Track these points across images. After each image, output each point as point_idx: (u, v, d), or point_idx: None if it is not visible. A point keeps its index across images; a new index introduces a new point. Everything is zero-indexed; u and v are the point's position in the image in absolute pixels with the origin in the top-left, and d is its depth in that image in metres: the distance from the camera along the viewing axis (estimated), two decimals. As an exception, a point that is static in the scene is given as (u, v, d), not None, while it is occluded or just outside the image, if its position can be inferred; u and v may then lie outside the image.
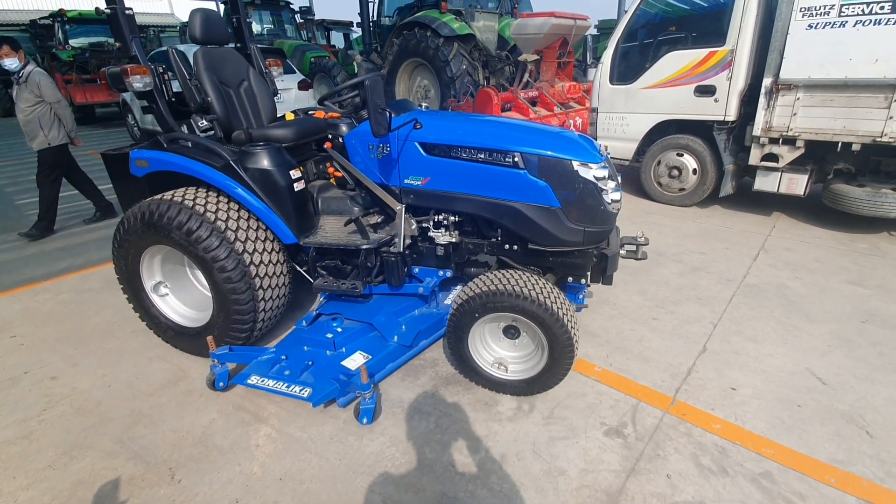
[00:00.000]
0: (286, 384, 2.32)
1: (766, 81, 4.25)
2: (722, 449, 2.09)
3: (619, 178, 2.42)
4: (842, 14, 3.77)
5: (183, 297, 2.87)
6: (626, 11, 5.30)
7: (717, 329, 3.00)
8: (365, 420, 2.22)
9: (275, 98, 3.30)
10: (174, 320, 2.79)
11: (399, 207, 2.53)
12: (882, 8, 3.60)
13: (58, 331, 3.16)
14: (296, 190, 2.55)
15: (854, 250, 4.11)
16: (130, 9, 2.56)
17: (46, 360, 2.84)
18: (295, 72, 8.98)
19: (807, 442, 2.13)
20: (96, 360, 2.82)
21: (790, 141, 4.29)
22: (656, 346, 2.84)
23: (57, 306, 3.48)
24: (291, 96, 8.31)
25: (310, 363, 2.47)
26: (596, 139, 4.71)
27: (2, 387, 2.62)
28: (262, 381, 2.37)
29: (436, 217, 2.57)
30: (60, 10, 13.18)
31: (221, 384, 2.48)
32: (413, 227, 2.58)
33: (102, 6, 2.56)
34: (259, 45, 3.45)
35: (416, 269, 2.76)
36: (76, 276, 3.97)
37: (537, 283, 2.20)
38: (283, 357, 2.51)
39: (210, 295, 2.54)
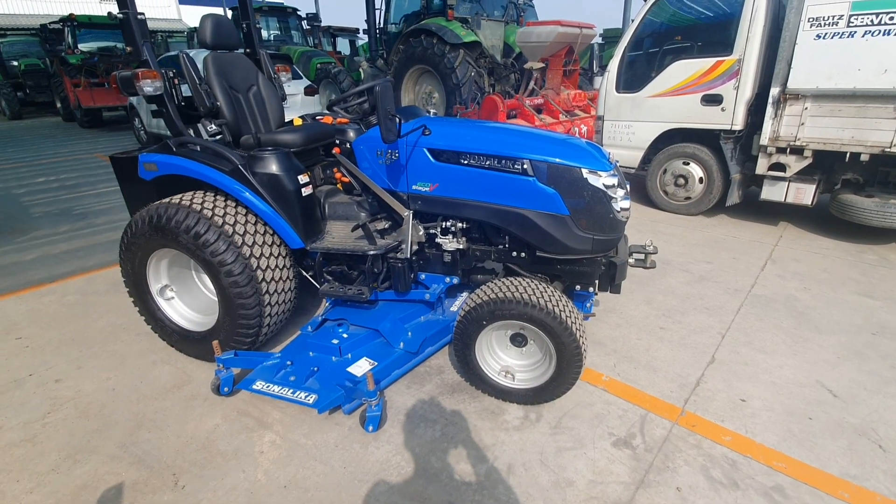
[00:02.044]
0: (291, 390, 2.31)
1: (774, 91, 4.24)
2: (732, 462, 2.06)
3: (628, 186, 2.41)
4: (850, 24, 3.77)
5: (189, 301, 2.86)
6: (632, 20, 5.31)
7: (726, 339, 2.97)
8: (370, 427, 2.20)
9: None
10: (179, 324, 2.78)
11: (407, 213, 2.53)
12: (891, 18, 3.60)
13: (63, 333, 3.15)
14: (303, 195, 2.55)
15: (862, 261, 4.08)
16: (143, 14, 2.57)
17: (51, 363, 2.83)
18: (301, 77, 9.04)
19: (819, 456, 2.10)
20: (101, 363, 2.82)
21: (798, 151, 4.28)
22: (664, 355, 2.81)
23: (62, 308, 3.48)
24: (297, 101, 8.35)
25: (315, 369, 2.45)
26: (602, 147, 4.71)
27: (6, 389, 2.61)
28: (268, 386, 2.35)
29: (443, 223, 2.57)
30: (70, 14, 13.33)
31: (226, 389, 2.47)
32: (420, 233, 2.57)
33: (115, 11, 2.58)
34: (266, 51, 3.47)
35: (423, 276, 2.75)
36: (82, 278, 3.97)
37: (545, 291, 2.18)
38: (289, 363, 2.50)
39: (216, 299, 2.54)
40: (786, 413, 2.35)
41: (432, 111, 3.00)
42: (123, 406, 2.46)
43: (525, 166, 2.23)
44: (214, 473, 2.03)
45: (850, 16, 3.75)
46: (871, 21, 3.68)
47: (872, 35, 3.70)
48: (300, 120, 3.29)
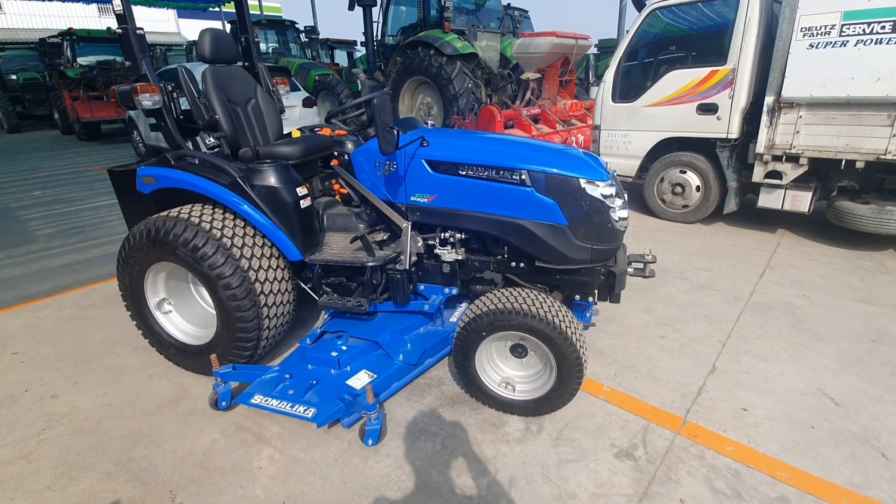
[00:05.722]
0: (290, 404, 2.29)
1: (769, 100, 4.28)
2: (736, 472, 2.04)
3: (626, 196, 2.42)
4: (842, 34, 3.81)
5: (186, 315, 2.85)
6: (627, 31, 5.37)
7: (726, 348, 2.96)
8: (370, 441, 2.18)
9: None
10: (177, 338, 2.76)
11: (405, 224, 2.53)
12: (883, 27, 3.64)
13: (59, 348, 3.13)
14: (302, 207, 2.55)
15: (860, 268, 4.09)
16: (142, 28, 2.59)
17: (47, 378, 2.80)
18: (299, 89, 9.09)
19: (822, 465, 2.08)
20: (97, 378, 2.79)
21: (793, 158, 4.31)
22: (665, 365, 2.80)
23: (59, 322, 3.46)
24: (296, 113, 8.40)
25: (314, 382, 2.43)
26: (599, 156, 4.73)
27: (1, 404, 2.58)
28: (266, 400, 2.33)
29: (442, 234, 2.56)
30: (69, 28, 13.44)
31: (224, 403, 2.45)
32: (419, 244, 2.57)
33: (114, 26, 2.59)
34: (265, 64, 3.49)
35: (422, 287, 2.75)
36: (78, 292, 3.95)
37: (545, 301, 2.18)
38: (287, 376, 2.48)
39: (214, 312, 2.52)
40: (788, 422, 2.33)
41: (430, 122, 3.01)
42: (120, 422, 2.43)
43: (523, 177, 2.24)
44: (212, 490, 2.00)
45: (843, 25, 3.80)
46: (863, 30, 3.73)
47: (865, 44, 3.75)
48: (298, 132, 3.30)
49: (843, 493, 1.94)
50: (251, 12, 3.46)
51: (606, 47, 13.64)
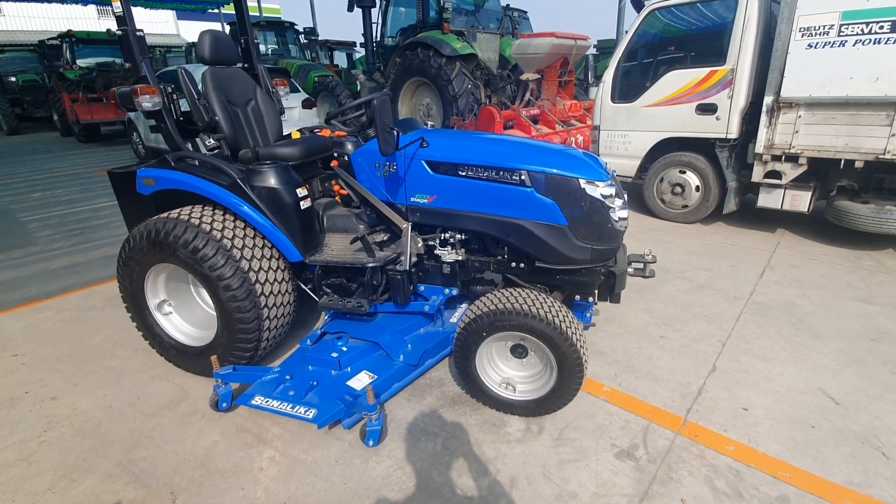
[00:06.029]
0: (290, 405, 2.29)
1: (768, 100, 4.29)
2: (736, 472, 2.04)
3: (626, 196, 2.42)
4: (841, 34, 3.82)
5: (187, 316, 2.85)
6: (626, 32, 5.38)
7: (726, 347, 2.96)
8: (371, 442, 2.18)
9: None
10: (177, 339, 2.76)
11: (405, 225, 2.53)
12: (882, 27, 3.65)
13: (59, 349, 3.13)
14: (302, 208, 2.55)
15: (860, 267, 4.09)
16: (141, 30, 2.59)
17: (47, 380, 2.80)
18: (299, 91, 9.10)
19: (822, 464, 2.08)
20: (97, 380, 2.79)
21: (793, 158, 4.31)
22: (665, 364, 2.80)
23: (59, 324, 3.45)
24: (295, 115, 8.41)
25: (315, 383, 2.43)
26: (598, 156, 4.73)
27: (2, 406, 2.58)
28: (267, 401, 2.33)
29: (442, 235, 2.57)
30: (69, 30, 13.45)
31: (224, 405, 2.45)
32: (419, 244, 2.57)
33: (113, 28, 2.60)
34: (264, 65, 3.49)
35: (422, 287, 2.75)
36: (78, 293, 3.95)
37: (546, 302, 2.18)
38: (288, 377, 2.48)
39: (214, 313, 2.52)
40: (788, 421, 2.34)
41: (430, 123, 3.01)
42: (120, 423, 2.43)
43: (523, 177, 2.24)
44: (213, 491, 2.00)
45: (841, 25, 3.81)
46: (862, 30, 3.73)
47: (863, 44, 3.76)
48: (298, 133, 3.31)
49: (843, 493, 1.94)
50: (250, 14, 3.46)
51: (605, 48, 13.65)
